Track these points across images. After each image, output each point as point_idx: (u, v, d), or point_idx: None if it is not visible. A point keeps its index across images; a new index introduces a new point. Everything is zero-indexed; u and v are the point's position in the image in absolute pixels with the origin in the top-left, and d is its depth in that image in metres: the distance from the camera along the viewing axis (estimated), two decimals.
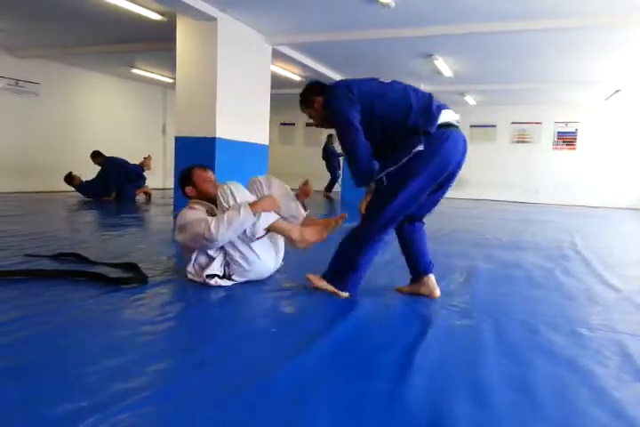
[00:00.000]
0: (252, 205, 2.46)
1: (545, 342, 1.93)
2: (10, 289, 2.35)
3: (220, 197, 2.52)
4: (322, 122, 2.50)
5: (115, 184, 7.71)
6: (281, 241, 2.75)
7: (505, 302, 2.48)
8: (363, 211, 2.38)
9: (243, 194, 2.53)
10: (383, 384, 1.48)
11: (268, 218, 2.50)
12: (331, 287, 2.42)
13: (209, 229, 2.38)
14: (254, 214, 2.43)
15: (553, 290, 2.81)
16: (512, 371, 1.63)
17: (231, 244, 2.50)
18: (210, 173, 2.77)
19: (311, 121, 2.55)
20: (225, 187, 2.52)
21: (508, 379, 1.56)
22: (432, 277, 2.47)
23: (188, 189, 2.74)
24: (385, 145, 2.30)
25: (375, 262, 3.31)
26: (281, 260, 2.83)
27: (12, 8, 5.91)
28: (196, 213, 2.55)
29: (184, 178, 2.76)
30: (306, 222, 2.70)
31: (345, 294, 2.40)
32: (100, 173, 7.79)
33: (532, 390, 1.49)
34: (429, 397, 1.42)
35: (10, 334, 1.77)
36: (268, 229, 2.56)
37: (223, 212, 2.47)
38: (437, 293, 2.45)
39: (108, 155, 7.90)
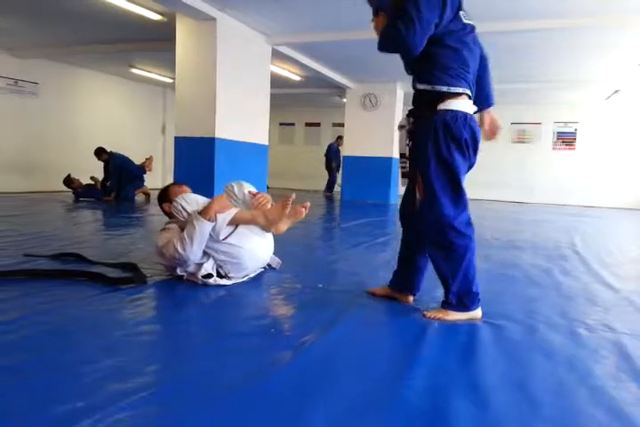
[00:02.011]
0: (203, 212, 2.46)
1: (543, 342, 1.93)
2: (9, 289, 2.34)
3: (176, 215, 2.56)
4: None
5: (116, 182, 7.70)
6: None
7: (503, 302, 2.49)
8: None
9: (193, 203, 2.54)
10: (382, 385, 1.49)
11: (225, 216, 2.52)
12: (464, 316, 2.14)
13: (177, 251, 2.44)
14: (209, 220, 2.44)
15: (551, 290, 2.82)
16: (510, 370, 1.63)
17: (210, 249, 2.52)
18: (184, 188, 2.85)
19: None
20: (175, 203, 2.54)
21: (506, 378, 1.56)
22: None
23: (166, 206, 2.78)
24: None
25: (373, 262, 3.30)
26: (271, 243, 2.83)
27: (12, 8, 5.91)
28: (166, 235, 2.59)
29: (161, 196, 2.84)
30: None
31: (480, 313, 2.17)
32: (105, 171, 7.82)
33: (530, 389, 1.49)
34: (428, 396, 1.42)
35: (8, 333, 1.77)
36: (237, 224, 2.60)
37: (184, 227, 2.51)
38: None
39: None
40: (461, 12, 2.12)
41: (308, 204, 2.69)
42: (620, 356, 1.80)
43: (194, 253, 2.46)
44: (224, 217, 2.51)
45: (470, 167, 2.22)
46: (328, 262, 3.34)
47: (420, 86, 2.11)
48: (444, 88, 2.05)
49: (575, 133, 11.26)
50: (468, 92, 2.11)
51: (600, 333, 2.06)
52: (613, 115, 10.85)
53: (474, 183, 11.63)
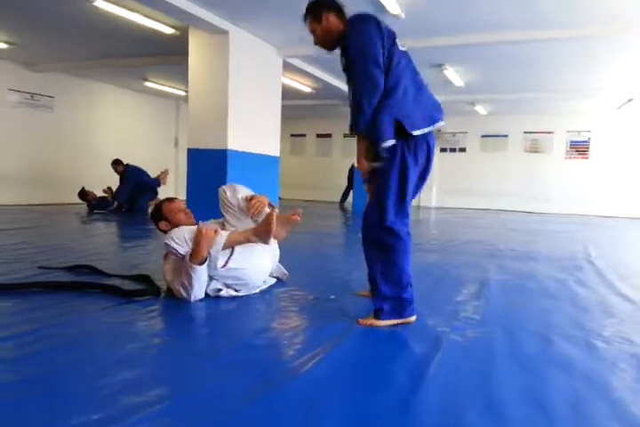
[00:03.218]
0: (193, 255, 2.37)
1: (559, 355, 1.91)
2: (24, 301, 2.37)
3: (171, 255, 2.50)
4: (322, 41, 2.32)
5: (128, 193, 7.78)
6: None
7: (518, 314, 2.46)
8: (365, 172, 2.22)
9: (183, 243, 2.40)
10: (395, 397, 1.48)
11: (217, 247, 2.43)
12: (394, 321, 2.18)
13: (183, 296, 2.44)
14: (200, 263, 2.39)
15: (567, 301, 2.78)
16: (526, 383, 1.61)
17: (214, 275, 2.50)
18: (177, 203, 2.75)
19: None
20: (167, 246, 2.43)
21: (522, 392, 1.54)
22: None
23: (162, 224, 2.70)
24: None
25: None
26: (276, 250, 2.79)
27: (28, 24, 6.04)
28: (170, 268, 2.55)
29: (155, 214, 2.75)
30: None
31: (412, 319, 2.21)
32: (121, 183, 7.91)
33: (546, 403, 1.47)
34: (442, 410, 1.41)
35: (24, 346, 1.79)
36: (232, 247, 2.52)
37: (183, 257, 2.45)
38: None
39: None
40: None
41: (300, 210, 2.63)
42: (639, 368, 1.77)
43: (197, 293, 2.45)
44: (216, 248, 2.43)
45: (424, 178, 2.26)
46: (340, 274, 3.34)
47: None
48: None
49: (588, 142, 11.19)
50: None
51: (617, 345, 2.03)
52: (627, 123, 10.77)
53: (486, 193, 11.75)
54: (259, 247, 2.62)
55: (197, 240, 2.38)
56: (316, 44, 2.37)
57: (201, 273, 2.40)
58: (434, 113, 2.22)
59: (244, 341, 1.96)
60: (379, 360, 1.80)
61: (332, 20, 2.24)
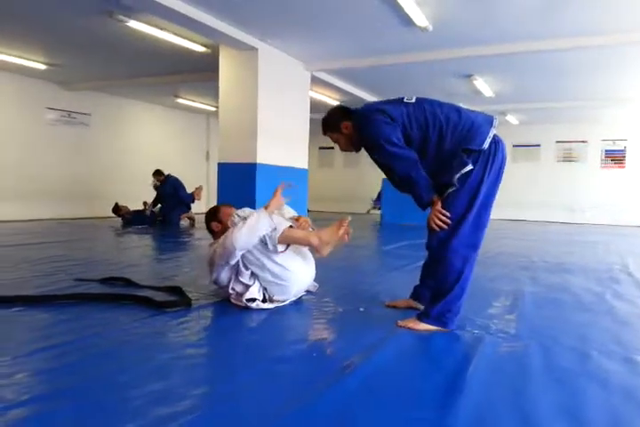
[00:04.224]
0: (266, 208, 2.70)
1: (598, 370, 1.84)
2: (61, 313, 2.43)
3: (238, 218, 2.66)
4: (349, 146, 2.50)
5: (164, 203, 7.94)
6: (305, 250, 2.81)
7: (553, 327, 2.39)
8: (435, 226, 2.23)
9: (248, 213, 2.70)
10: (427, 413, 1.45)
11: (281, 224, 2.59)
12: (433, 327, 2.26)
13: (232, 235, 2.50)
14: (269, 216, 2.58)
15: (604, 314, 2.70)
16: (562, 400, 1.56)
17: (259, 266, 2.56)
18: (234, 210, 2.89)
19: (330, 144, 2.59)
20: (239, 211, 2.74)
21: (558, 409, 1.49)
22: None
23: (214, 225, 2.87)
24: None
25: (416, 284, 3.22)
26: (313, 268, 2.86)
27: (64, 44, 6.28)
28: (215, 244, 2.69)
29: (211, 215, 2.92)
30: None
31: (449, 329, 2.27)
32: (157, 194, 8.12)
33: (584, 421, 1.42)
34: (476, 426, 1.38)
35: (58, 357, 1.83)
36: (288, 244, 2.64)
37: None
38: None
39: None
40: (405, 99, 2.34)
41: (349, 217, 2.72)
42: None
43: (245, 237, 2.48)
44: (280, 223, 2.58)
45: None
46: (370, 285, 3.32)
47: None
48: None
49: (624, 151, 10.90)
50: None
51: None
52: None
53: (520, 204, 11.54)
54: (303, 261, 2.74)
55: (269, 202, 2.75)
56: (343, 150, 2.57)
57: (264, 220, 2.54)
58: (484, 117, 2.29)
59: (274, 352, 1.96)
60: (410, 374, 1.78)
61: (349, 125, 2.42)
